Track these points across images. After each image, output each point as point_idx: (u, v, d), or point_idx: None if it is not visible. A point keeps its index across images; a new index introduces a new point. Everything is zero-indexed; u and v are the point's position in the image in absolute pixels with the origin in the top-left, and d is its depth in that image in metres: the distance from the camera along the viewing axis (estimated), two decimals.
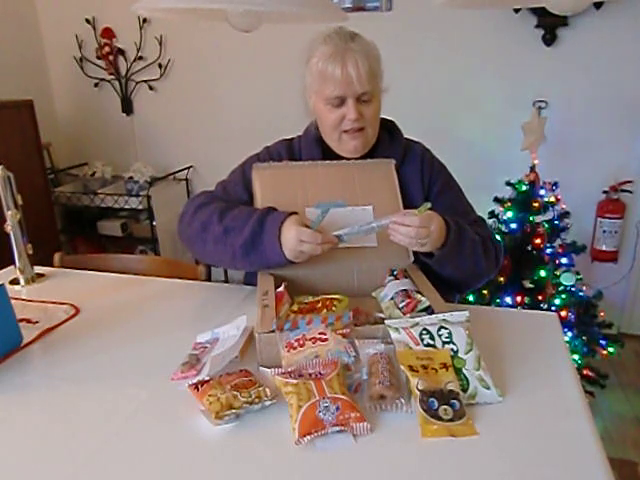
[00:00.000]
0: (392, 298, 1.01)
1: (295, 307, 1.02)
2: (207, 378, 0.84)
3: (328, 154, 1.26)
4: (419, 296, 0.99)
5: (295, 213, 1.09)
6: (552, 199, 2.21)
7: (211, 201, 1.21)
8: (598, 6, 2.31)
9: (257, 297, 1.01)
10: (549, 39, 2.46)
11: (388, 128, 1.30)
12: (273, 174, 1.21)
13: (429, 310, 0.95)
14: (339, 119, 1.17)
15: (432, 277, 1.10)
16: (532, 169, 2.24)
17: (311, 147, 1.28)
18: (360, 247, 1.13)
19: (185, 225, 1.22)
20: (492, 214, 2.30)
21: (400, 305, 0.98)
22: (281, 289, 1.03)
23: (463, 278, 1.20)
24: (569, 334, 2.10)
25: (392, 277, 1.08)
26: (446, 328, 0.88)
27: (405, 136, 1.32)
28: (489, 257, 1.20)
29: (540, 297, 2.14)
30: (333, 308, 1.01)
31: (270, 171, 1.21)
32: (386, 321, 0.91)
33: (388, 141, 1.28)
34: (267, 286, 1.05)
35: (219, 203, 1.20)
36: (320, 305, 1.02)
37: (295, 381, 0.79)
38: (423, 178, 1.26)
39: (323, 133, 1.25)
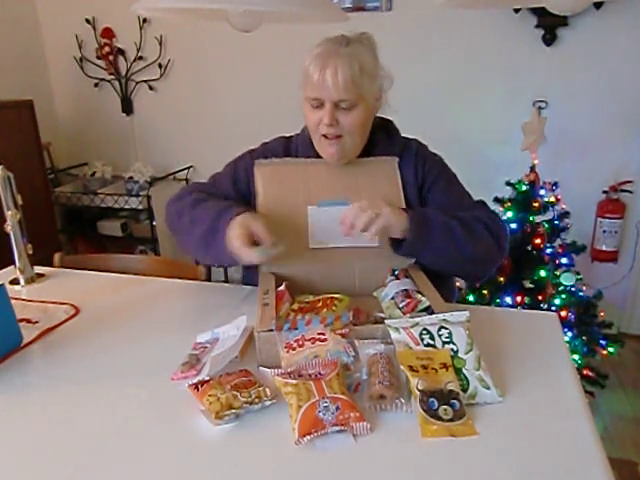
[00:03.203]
0: (393, 298, 1.01)
1: (296, 306, 1.02)
2: (207, 378, 0.84)
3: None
4: (419, 296, 0.99)
5: (248, 211, 1.07)
6: (552, 199, 2.21)
7: (193, 191, 1.24)
8: (598, 6, 2.31)
9: (258, 296, 1.01)
10: (549, 39, 2.46)
11: (385, 127, 1.29)
12: (275, 170, 1.20)
13: (429, 310, 0.95)
14: (317, 121, 1.16)
15: (433, 277, 1.10)
16: (532, 169, 2.24)
17: (307, 147, 1.28)
18: (362, 247, 1.13)
19: (166, 213, 1.27)
20: None
21: (400, 305, 0.98)
22: (282, 288, 1.03)
23: (455, 266, 1.15)
24: (569, 334, 2.10)
25: (393, 277, 1.08)
26: (446, 328, 0.88)
27: (401, 135, 1.32)
28: (478, 237, 1.12)
29: (540, 297, 2.14)
30: (334, 307, 1.00)
31: (272, 167, 1.21)
32: (386, 321, 0.91)
33: (386, 141, 1.27)
34: (268, 285, 1.05)
35: (199, 194, 1.21)
36: (321, 304, 1.02)
37: (295, 381, 0.79)
38: (417, 173, 1.24)
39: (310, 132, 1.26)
